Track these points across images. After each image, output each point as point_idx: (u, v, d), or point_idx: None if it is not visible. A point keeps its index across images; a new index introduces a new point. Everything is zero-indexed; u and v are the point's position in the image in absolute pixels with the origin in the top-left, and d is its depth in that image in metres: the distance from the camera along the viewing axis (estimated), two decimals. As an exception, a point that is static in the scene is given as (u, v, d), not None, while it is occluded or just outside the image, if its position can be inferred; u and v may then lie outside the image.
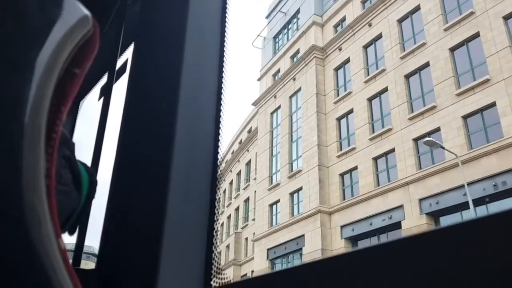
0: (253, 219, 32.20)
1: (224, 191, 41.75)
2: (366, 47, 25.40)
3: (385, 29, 24.08)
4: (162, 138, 0.88)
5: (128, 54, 1.62)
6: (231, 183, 40.92)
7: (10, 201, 0.29)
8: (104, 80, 1.78)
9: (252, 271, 29.82)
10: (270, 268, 26.22)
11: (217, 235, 0.86)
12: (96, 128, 1.58)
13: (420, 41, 21.74)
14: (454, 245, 0.42)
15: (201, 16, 1.01)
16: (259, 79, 35.32)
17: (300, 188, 26.25)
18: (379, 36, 24.48)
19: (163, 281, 0.74)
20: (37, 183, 0.30)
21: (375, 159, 22.37)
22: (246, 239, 34.22)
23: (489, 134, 17.63)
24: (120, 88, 1.55)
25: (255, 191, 32.31)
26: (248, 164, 37.46)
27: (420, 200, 19.18)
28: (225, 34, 1.04)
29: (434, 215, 18.83)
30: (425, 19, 21.76)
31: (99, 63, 1.46)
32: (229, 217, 39.69)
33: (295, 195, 26.88)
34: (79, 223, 0.70)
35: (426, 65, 21.06)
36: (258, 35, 37.26)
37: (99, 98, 1.85)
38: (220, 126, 0.95)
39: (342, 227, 22.96)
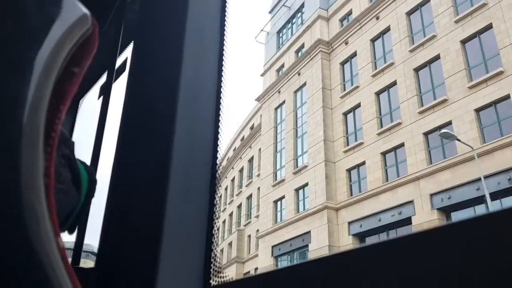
0: (256, 216, 31.85)
1: (226, 189, 41.46)
2: (373, 40, 24.99)
3: (393, 22, 23.67)
4: (162, 137, 0.88)
5: (127, 53, 1.63)
6: (233, 180, 40.58)
7: (8, 200, 0.29)
8: (103, 79, 1.78)
9: (256, 269, 29.47)
10: (275, 265, 25.84)
11: (216, 234, 0.86)
12: (96, 127, 1.58)
13: (429, 33, 21.34)
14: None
15: (201, 15, 1.01)
16: (262, 75, 34.90)
17: (306, 184, 25.85)
18: (387, 29, 24.07)
19: (163, 280, 0.74)
20: (35, 182, 0.30)
21: (384, 154, 21.97)
22: (249, 236, 33.87)
23: (503, 127, 17.25)
24: (119, 87, 1.56)
25: (259, 187, 31.97)
26: (250, 161, 37.10)
27: (431, 195, 18.79)
28: (225, 33, 1.04)
29: (446, 210, 18.45)
30: (435, 11, 21.36)
31: (98, 62, 1.49)
32: (231, 215, 39.33)
33: (301, 191, 26.49)
34: (78, 222, 0.68)
35: (436, 58, 20.67)
36: (262, 30, 36.79)
37: (99, 97, 1.87)
38: (220, 125, 0.95)
39: (349, 223, 22.57)
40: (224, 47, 1.02)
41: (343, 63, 27.00)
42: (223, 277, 0.82)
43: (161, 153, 0.86)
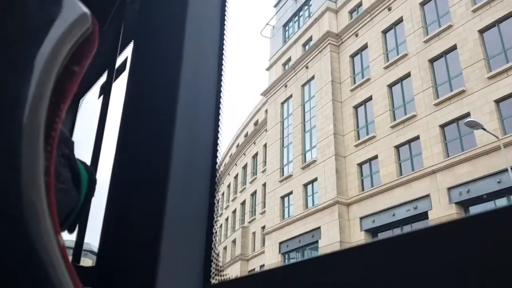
0: (261, 213, 31.23)
1: (229, 186, 40.83)
2: (385, 32, 24.39)
3: (406, 12, 23.08)
4: (162, 136, 0.89)
5: (127, 52, 1.64)
6: (236, 177, 39.96)
7: (9, 199, 0.29)
8: (104, 78, 1.78)
9: (262, 266, 28.84)
10: (282, 262, 25.20)
11: (216, 231, 0.86)
12: (96, 126, 1.58)
13: (445, 24, 20.76)
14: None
15: (201, 14, 1.01)
16: (268, 69, 34.26)
17: (315, 179, 25.23)
18: (400, 20, 23.47)
19: (162, 280, 0.75)
20: (36, 181, 0.30)
21: (397, 147, 21.38)
22: (254, 233, 33.25)
23: (525, 118, 16.69)
24: (119, 86, 1.56)
25: (263, 184, 31.37)
26: (254, 157, 36.48)
27: (449, 189, 18.21)
28: (225, 32, 1.04)
29: (464, 204, 17.88)
30: (451, 1, 20.78)
31: (98, 61, 1.63)
32: (234, 212, 38.69)
33: (309, 186, 25.87)
34: (78, 221, 0.68)
35: (453, 48, 20.09)
36: (267, 24, 36.15)
37: (99, 96, 1.86)
38: (220, 124, 0.95)
39: (361, 218, 21.96)
40: (224, 47, 1.02)
41: (353, 56, 26.39)
42: (223, 275, 0.82)
43: (161, 152, 0.86)
